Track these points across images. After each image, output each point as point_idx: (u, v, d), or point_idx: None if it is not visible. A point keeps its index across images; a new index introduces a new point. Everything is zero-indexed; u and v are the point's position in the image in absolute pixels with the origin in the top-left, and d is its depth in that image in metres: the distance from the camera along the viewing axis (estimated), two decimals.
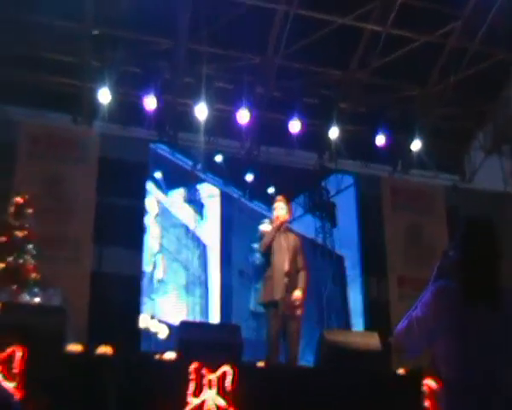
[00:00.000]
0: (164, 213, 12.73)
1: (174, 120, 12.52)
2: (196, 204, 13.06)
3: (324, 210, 13.78)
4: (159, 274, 12.18)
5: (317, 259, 13.12)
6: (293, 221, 13.15)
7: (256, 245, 9.14)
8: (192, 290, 12.56)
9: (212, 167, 13.06)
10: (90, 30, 11.26)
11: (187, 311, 12.24)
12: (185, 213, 13.01)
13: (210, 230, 13.09)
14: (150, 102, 11.46)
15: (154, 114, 11.68)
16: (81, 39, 11.35)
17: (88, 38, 11.33)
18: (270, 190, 12.45)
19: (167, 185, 12.83)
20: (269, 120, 12.65)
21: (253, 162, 12.94)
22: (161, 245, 12.47)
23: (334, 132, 12.43)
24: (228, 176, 13.16)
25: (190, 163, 13.07)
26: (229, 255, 12.97)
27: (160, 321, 11.72)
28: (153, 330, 11.57)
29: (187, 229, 12.96)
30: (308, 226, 13.38)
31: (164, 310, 12.07)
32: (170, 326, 11.53)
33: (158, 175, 12.59)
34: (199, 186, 13.18)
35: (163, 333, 11.47)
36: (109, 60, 11.37)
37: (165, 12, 11.13)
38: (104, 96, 11.34)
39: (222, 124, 12.34)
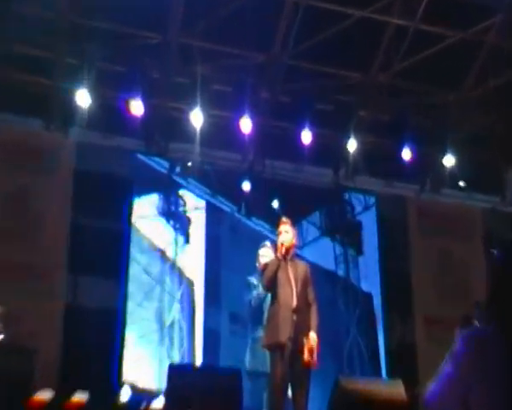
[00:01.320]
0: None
1: (164, 127, 12.44)
2: (177, 220, 12.15)
3: (347, 232, 13.21)
4: None
5: (338, 296, 12.45)
6: (304, 246, 12.78)
7: (254, 279, 8.59)
8: (167, 341, 11.62)
9: (195, 172, 12.50)
10: (67, 20, 11.15)
11: (158, 368, 11.43)
12: (160, 232, 12.04)
13: (193, 256, 12.20)
14: (136, 107, 11.30)
15: (140, 120, 11.49)
16: (56, 31, 11.25)
17: (64, 29, 11.22)
18: (275, 203, 12.19)
19: (134, 192, 12.04)
20: (275, 129, 12.59)
21: (256, 178, 12.71)
22: None
23: (352, 145, 12.35)
24: (217, 184, 12.35)
25: (166, 165, 12.29)
26: (217, 292, 12.07)
27: None
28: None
29: (163, 256, 12.03)
30: (325, 253, 12.89)
31: (125, 367, 11.24)
32: (132, 387, 10.80)
33: None
34: (182, 194, 12.14)
35: (125, 395, 10.33)
36: (88, 56, 11.24)
37: (154, 2, 11.10)
38: (82, 98, 11.21)
39: (220, 133, 12.17)
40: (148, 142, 12.49)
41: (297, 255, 7.90)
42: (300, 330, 7.11)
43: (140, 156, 12.59)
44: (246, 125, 11.82)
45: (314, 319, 7.35)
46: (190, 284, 12.36)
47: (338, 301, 12.71)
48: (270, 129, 12.56)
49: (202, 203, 12.75)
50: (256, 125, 12.04)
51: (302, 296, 7.33)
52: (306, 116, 12.07)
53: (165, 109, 12.32)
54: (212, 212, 12.72)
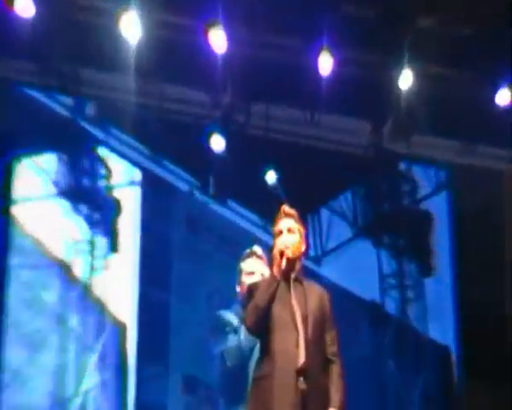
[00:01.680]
0: None
1: (72, 42, 11.98)
2: (94, 205, 11.18)
3: (404, 232, 12.44)
4: None
5: (385, 348, 11.83)
6: (323, 257, 12.47)
7: (231, 315, 7.63)
8: None
9: (122, 117, 11.50)
10: None
11: None
12: (61, 228, 11.06)
13: (123, 275, 11.11)
14: (23, 5, 11.09)
15: (30, 28, 11.28)
16: None
17: None
18: (270, 177, 12.00)
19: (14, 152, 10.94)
20: (269, 49, 12.20)
21: (235, 134, 12.14)
22: None
23: (405, 79, 11.91)
24: (166, 141, 11.45)
25: (70, 103, 11.44)
26: (163, 339, 11.33)
27: None
28: None
29: (66, 274, 11.03)
30: (361, 270, 12.41)
31: None
32: None
33: None
34: (103, 157, 11.19)
35: None
36: None
37: None
38: None
39: (172, 54, 11.88)
40: (43, 66, 12.23)
41: (308, 273, 6.92)
42: (312, 407, 6.12)
43: (27, 91, 12.19)
44: (218, 40, 11.47)
45: (337, 388, 6.25)
46: (120, 326, 11.75)
47: (385, 359, 12.23)
48: (259, 49, 12.15)
49: (139, 175, 11.89)
50: (236, 42, 11.65)
51: (316, 347, 6.18)
52: (324, 27, 11.65)
53: (74, 9, 11.82)
54: (155, 191, 11.89)
